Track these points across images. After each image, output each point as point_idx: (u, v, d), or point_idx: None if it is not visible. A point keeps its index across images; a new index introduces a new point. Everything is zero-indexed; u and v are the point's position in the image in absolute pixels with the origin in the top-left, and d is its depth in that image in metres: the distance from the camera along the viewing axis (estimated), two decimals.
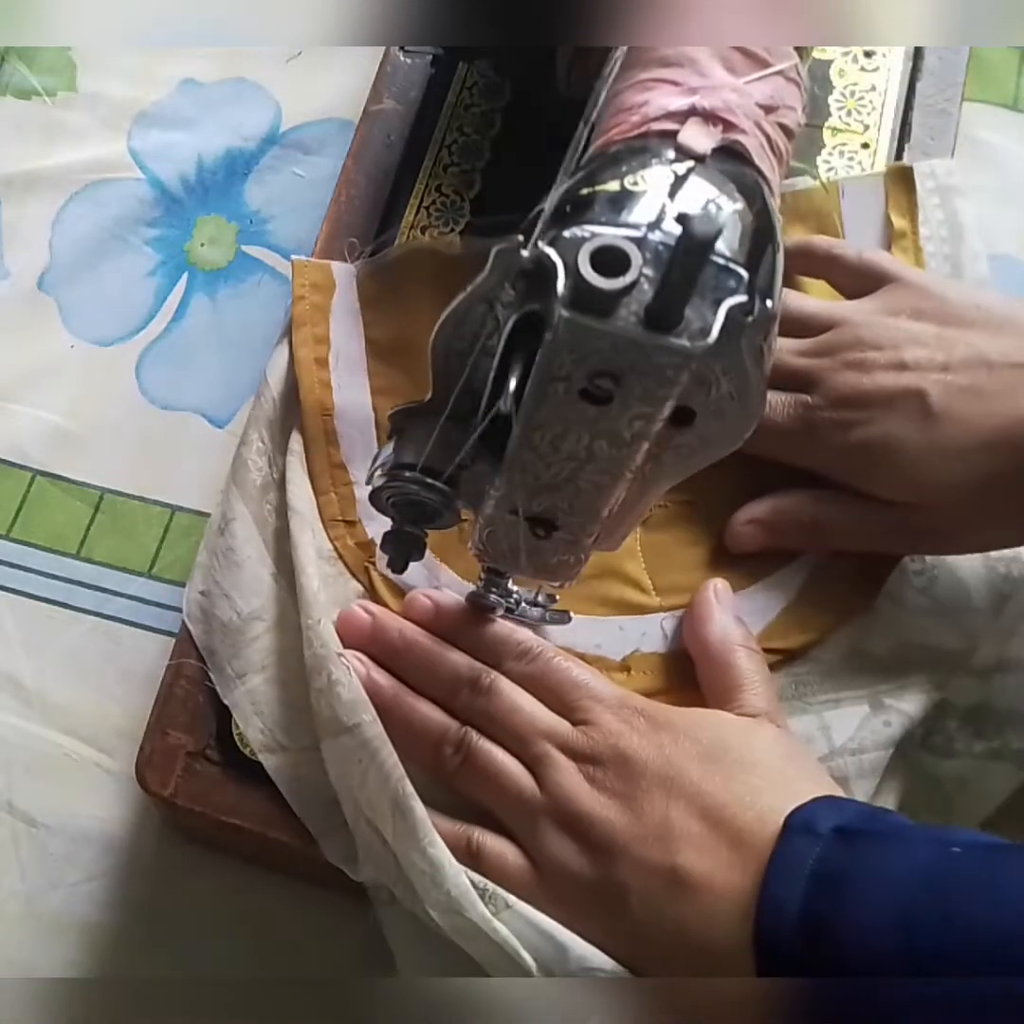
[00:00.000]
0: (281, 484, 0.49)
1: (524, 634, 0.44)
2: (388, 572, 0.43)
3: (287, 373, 0.51)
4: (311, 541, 0.47)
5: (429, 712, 0.43)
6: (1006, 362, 0.42)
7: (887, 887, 0.34)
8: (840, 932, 0.33)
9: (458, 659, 0.43)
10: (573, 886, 0.39)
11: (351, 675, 0.43)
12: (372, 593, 0.46)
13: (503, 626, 0.44)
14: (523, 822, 0.41)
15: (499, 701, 0.42)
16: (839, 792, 0.40)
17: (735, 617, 0.45)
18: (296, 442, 0.50)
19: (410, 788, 0.41)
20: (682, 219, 0.26)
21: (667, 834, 0.38)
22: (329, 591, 0.46)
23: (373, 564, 0.47)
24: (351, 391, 0.50)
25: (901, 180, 0.52)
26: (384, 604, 0.46)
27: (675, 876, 0.37)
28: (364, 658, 0.43)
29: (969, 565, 0.46)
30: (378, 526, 0.46)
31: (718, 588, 0.45)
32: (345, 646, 0.44)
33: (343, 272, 0.53)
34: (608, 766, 0.40)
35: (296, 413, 0.50)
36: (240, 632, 0.46)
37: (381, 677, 0.43)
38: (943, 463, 0.42)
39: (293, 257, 0.53)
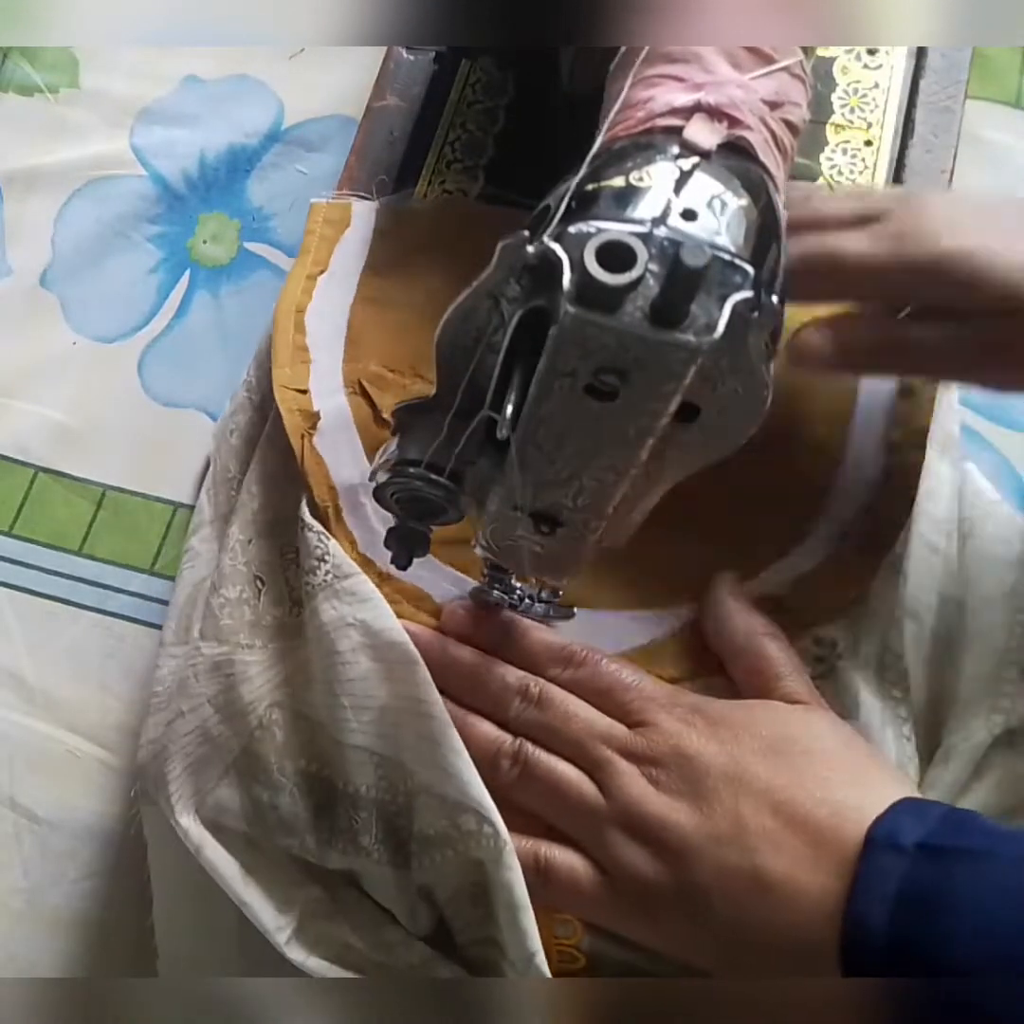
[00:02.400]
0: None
1: (566, 640, 0.43)
2: (318, 446, 0.46)
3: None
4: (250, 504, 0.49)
5: (481, 726, 0.42)
6: None
7: (978, 914, 0.33)
8: (929, 959, 0.33)
9: (505, 671, 0.43)
10: (649, 893, 0.38)
11: (260, 599, 0.45)
12: (301, 461, 0.47)
13: (544, 631, 0.44)
14: (589, 831, 0.40)
15: (552, 709, 0.42)
16: (907, 783, 0.39)
17: (750, 607, 0.44)
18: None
19: (275, 715, 0.43)
20: (674, 246, 0.26)
21: (742, 833, 0.37)
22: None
23: (310, 434, 0.47)
24: (331, 296, 0.51)
25: None
26: (309, 474, 0.46)
27: (756, 876, 0.37)
28: None
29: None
30: (323, 401, 0.48)
31: (728, 581, 0.45)
32: None
33: (364, 209, 0.54)
34: (671, 767, 0.39)
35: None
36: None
37: None
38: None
39: (312, 200, 0.54)
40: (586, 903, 0.40)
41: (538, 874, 0.40)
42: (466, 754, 0.40)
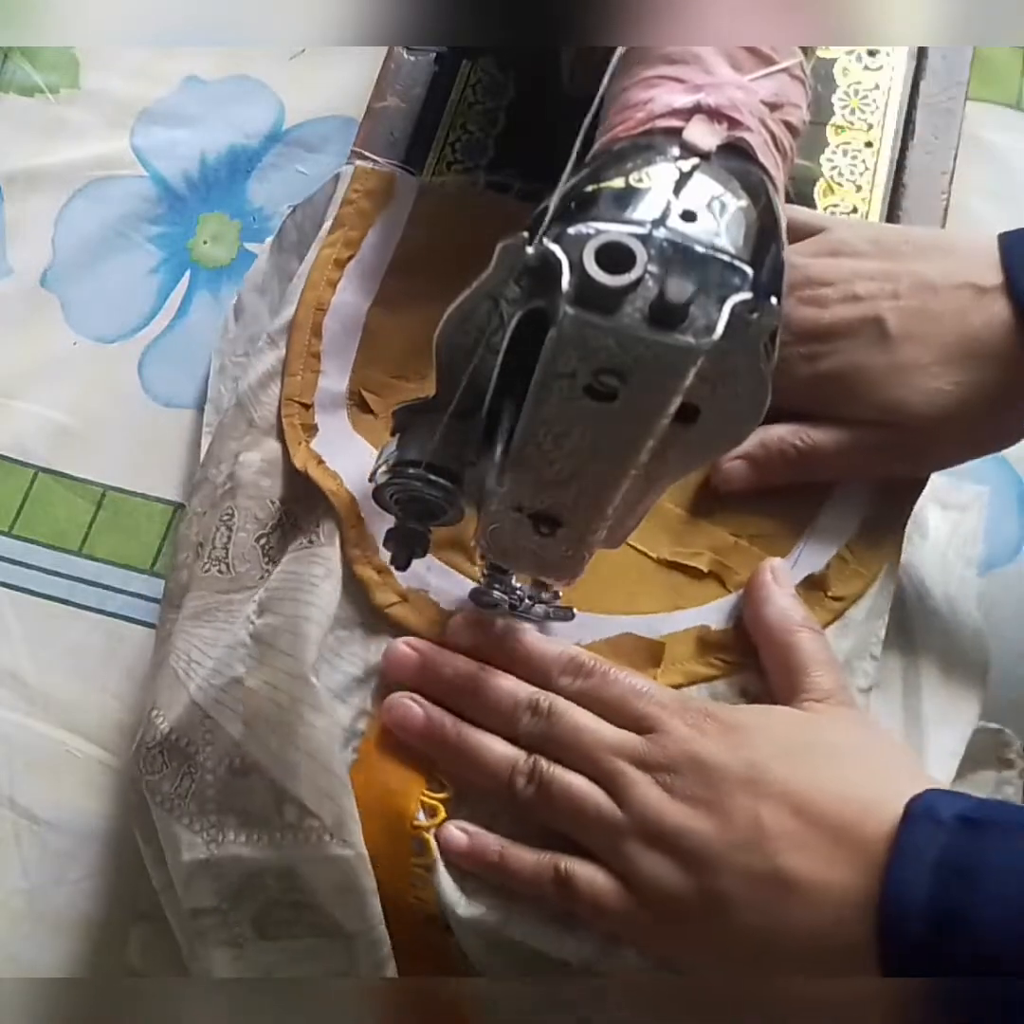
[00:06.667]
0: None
1: (574, 649, 0.43)
2: (317, 449, 0.47)
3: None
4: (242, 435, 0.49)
5: (494, 745, 0.42)
6: (949, 283, 0.44)
7: (1018, 880, 0.33)
8: (973, 925, 0.33)
9: (513, 686, 0.42)
10: (673, 903, 0.38)
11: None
12: (303, 467, 0.47)
13: (549, 642, 0.43)
14: (608, 843, 0.39)
15: (562, 723, 0.41)
16: (931, 781, 0.39)
17: (793, 596, 0.44)
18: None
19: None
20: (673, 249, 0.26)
21: (762, 836, 0.37)
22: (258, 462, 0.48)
23: (308, 441, 0.48)
24: (353, 293, 0.51)
25: None
26: (306, 476, 0.47)
27: (780, 878, 0.36)
28: (419, 698, 0.43)
29: None
30: (326, 417, 0.48)
31: (775, 567, 0.45)
32: (394, 684, 0.43)
33: (407, 185, 0.53)
34: (685, 773, 0.39)
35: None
36: None
37: (439, 715, 0.42)
38: (906, 380, 0.44)
39: (357, 163, 0.54)
40: (610, 916, 0.39)
41: (559, 887, 0.39)
42: (309, 747, 0.41)
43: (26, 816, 0.51)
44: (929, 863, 0.34)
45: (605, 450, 0.31)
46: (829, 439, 0.46)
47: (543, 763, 0.41)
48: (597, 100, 0.34)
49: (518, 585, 0.44)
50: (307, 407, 0.49)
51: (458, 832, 0.41)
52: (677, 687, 0.44)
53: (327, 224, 0.52)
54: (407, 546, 0.39)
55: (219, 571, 0.47)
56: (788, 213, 0.48)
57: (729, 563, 0.46)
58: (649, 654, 0.45)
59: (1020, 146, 0.61)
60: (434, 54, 0.57)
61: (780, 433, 0.46)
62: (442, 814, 0.42)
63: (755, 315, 0.29)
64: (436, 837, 0.41)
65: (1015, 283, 0.43)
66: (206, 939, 0.43)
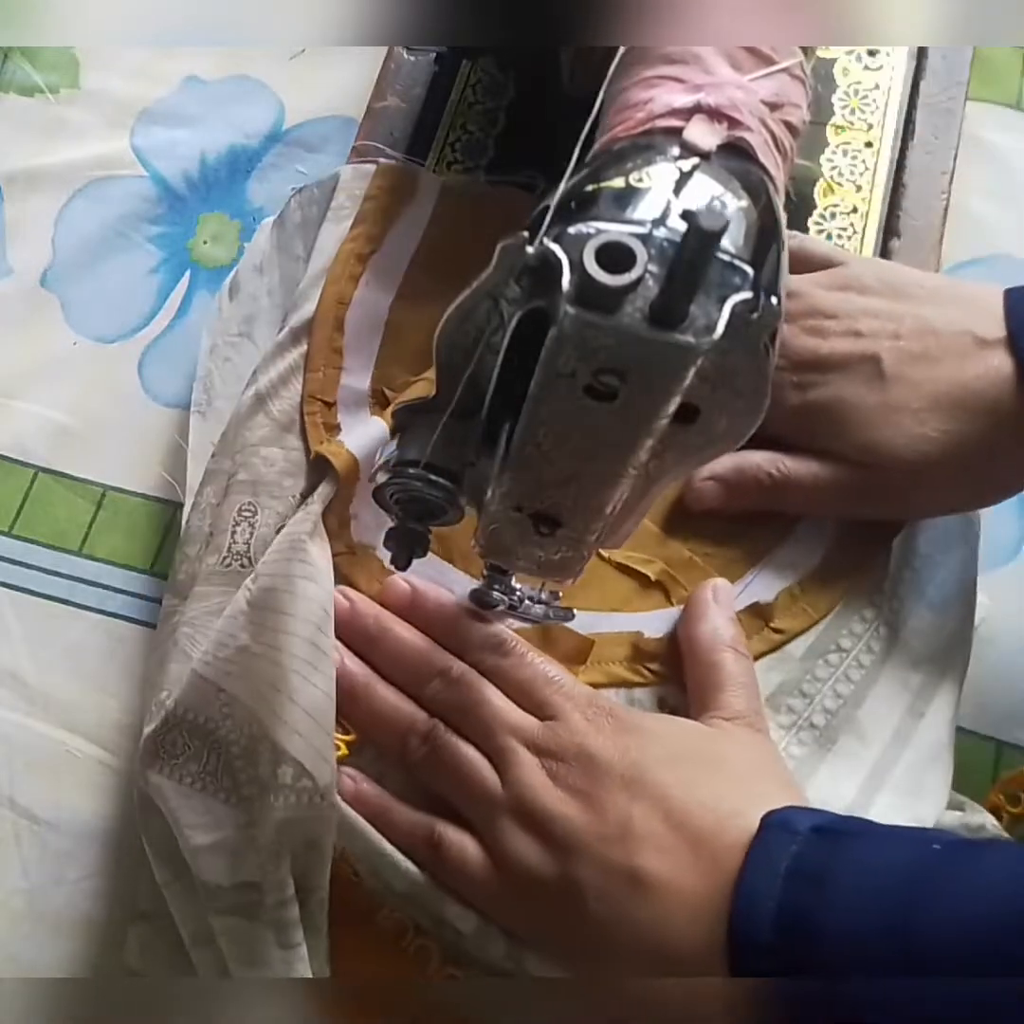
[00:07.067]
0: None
1: (499, 627, 0.44)
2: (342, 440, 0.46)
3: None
4: (263, 427, 0.49)
5: (398, 701, 0.43)
6: (951, 330, 0.44)
7: (868, 883, 0.34)
8: (820, 927, 0.33)
9: (430, 649, 0.44)
10: (531, 883, 0.39)
11: (269, 522, 0.46)
12: (332, 459, 0.47)
13: (479, 617, 0.44)
14: (483, 816, 0.41)
15: (467, 693, 0.42)
16: (805, 800, 0.40)
17: (729, 618, 0.45)
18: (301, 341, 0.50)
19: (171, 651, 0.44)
20: (687, 214, 0.26)
21: (628, 834, 0.38)
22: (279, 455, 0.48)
23: (329, 440, 0.48)
24: (375, 288, 0.51)
25: None
26: (316, 456, 0.47)
27: (634, 876, 0.37)
28: (340, 646, 0.44)
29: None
30: (348, 416, 0.48)
31: (717, 587, 0.45)
32: None
33: (430, 181, 0.53)
34: (572, 763, 0.40)
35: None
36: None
37: (354, 665, 0.44)
38: (893, 421, 0.44)
39: (382, 160, 0.54)
40: (471, 885, 0.41)
41: (430, 849, 0.41)
42: (310, 707, 0.41)
43: (26, 816, 0.51)
44: (781, 871, 0.35)
45: (605, 450, 0.31)
46: (805, 471, 0.46)
47: (440, 728, 0.42)
48: (599, 102, 0.34)
49: (518, 585, 0.44)
50: (330, 405, 0.49)
51: (347, 778, 0.43)
52: (597, 686, 0.44)
53: (346, 223, 0.52)
54: (407, 546, 0.39)
55: (241, 566, 0.46)
56: (809, 245, 0.49)
57: (678, 577, 0.47)
58: (577, 648, 0.45)
59: (1020, 146, 0.61)
60: (434, 54, 0.57)
61: (757, 460, 0.46)
62: (343, 750, 0.43)
63: (755, 315, 0.29)
64: None
65: (1017, 339, 0.43)
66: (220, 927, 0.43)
